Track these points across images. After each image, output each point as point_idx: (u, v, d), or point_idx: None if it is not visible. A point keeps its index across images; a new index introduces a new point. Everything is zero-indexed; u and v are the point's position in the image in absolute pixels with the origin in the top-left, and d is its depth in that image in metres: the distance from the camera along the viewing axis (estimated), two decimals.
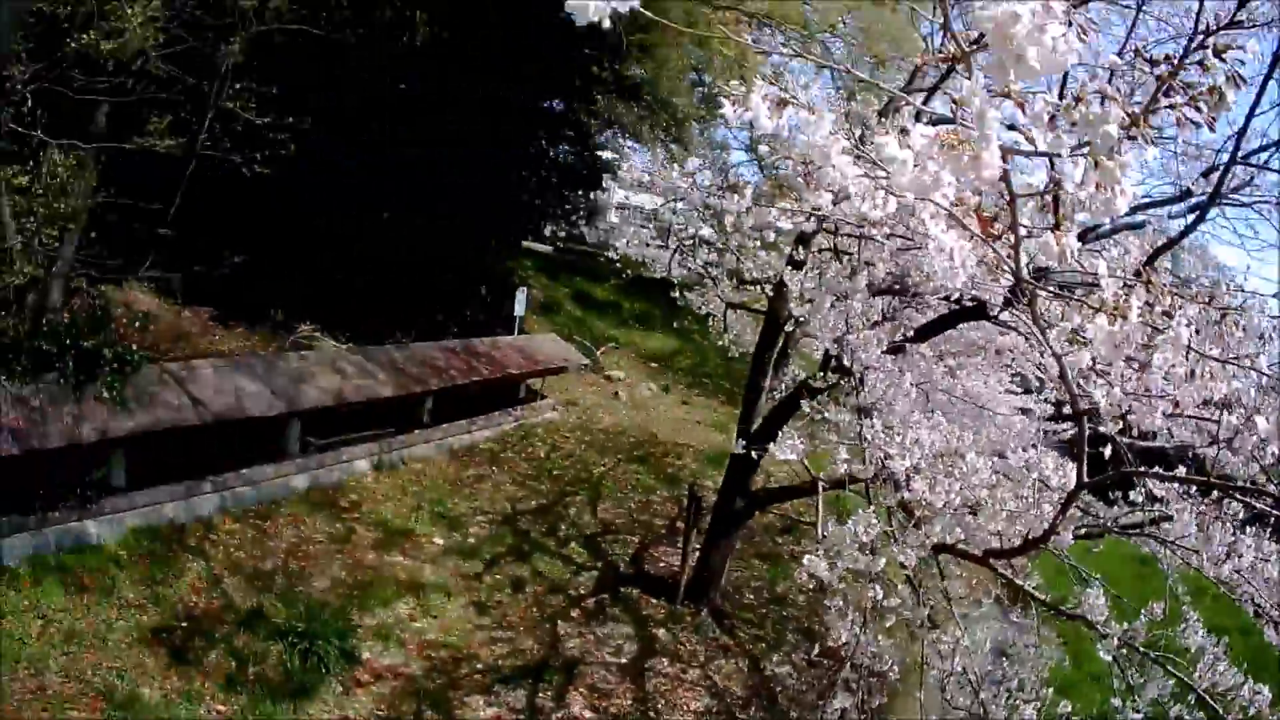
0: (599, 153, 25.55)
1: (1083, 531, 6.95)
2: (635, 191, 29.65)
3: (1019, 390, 11.28)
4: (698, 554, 11.91)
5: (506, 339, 17.91)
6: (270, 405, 11.73)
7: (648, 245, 12.89)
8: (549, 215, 24.75)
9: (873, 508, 6.25)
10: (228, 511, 11.29)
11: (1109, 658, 5.20)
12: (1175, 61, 1.73)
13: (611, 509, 14.69)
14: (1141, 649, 5.16)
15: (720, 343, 13.75)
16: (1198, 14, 6.49)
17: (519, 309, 18.70)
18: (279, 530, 11.36)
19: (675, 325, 25.75)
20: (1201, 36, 6.55)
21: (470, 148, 18.57)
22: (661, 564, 13.02)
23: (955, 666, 6.22)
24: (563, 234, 28.17)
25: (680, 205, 11.95)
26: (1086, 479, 3.75)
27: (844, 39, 19.44)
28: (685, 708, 10.02)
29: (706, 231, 11.88)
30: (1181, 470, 4.77)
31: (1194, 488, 5.30)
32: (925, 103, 8.72)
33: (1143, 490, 5.25)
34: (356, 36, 12.27)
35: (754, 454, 10.12)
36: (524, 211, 23.26)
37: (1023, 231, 2.03)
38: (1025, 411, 10.99)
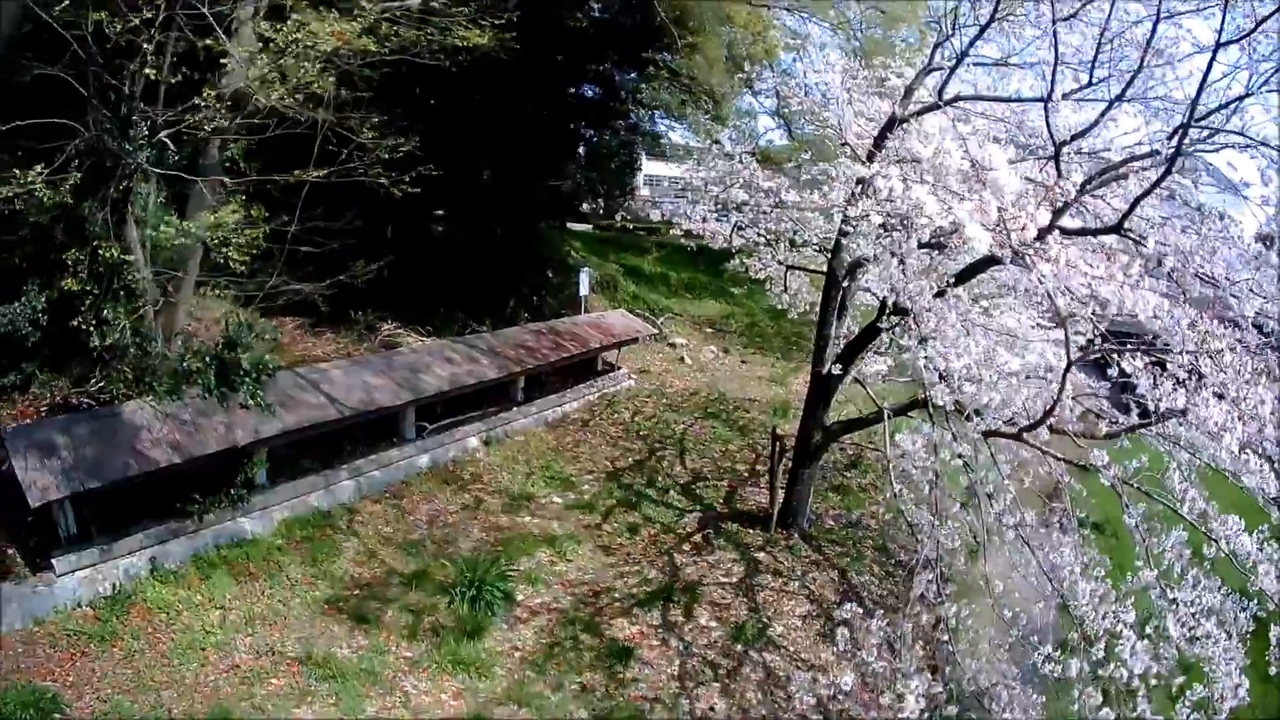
0: (640, 135, 27.75)
1: (1104, 433, 9.14)
2: (670, 165, 31.58)
3: (1050, 325, 12.90)
4: (783, 489, 14.07)
5: (583, 318, 20.24)
6: (396, 396, 13.82)
7: (705, 221, 14.93)
8: (592, 196, 26.56)
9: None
10: (365, 495, 13.40)
11: (1108, 485, 7.51)
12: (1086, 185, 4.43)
13: (697, 459, 16.97)
14: (1134, 484, 7.51)
15: (777, 304, 16.11)
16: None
17: (584, 289, 20.98)
18: (415, 506, 13.58)
19: (723, 290, 27.93)
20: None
21: (528, 139, 20.79)
22: (750, 502, 15.29)
23: (1009, 536, 8.44)
24: (614, 213, 29.95)
25: (719, 175, 13.91)
26: (1071, 360, 6.34)
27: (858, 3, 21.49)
28: (791, 613, 12.28)
29: (737, 193, 13.60)
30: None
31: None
32: (947, 80, 10.89)
33: (1116, 369, 7.46)
34: (454, 61, 14.06)
35: (834, 375, 12.14)
36: (574, 196, 25.49)
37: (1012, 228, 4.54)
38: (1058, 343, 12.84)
